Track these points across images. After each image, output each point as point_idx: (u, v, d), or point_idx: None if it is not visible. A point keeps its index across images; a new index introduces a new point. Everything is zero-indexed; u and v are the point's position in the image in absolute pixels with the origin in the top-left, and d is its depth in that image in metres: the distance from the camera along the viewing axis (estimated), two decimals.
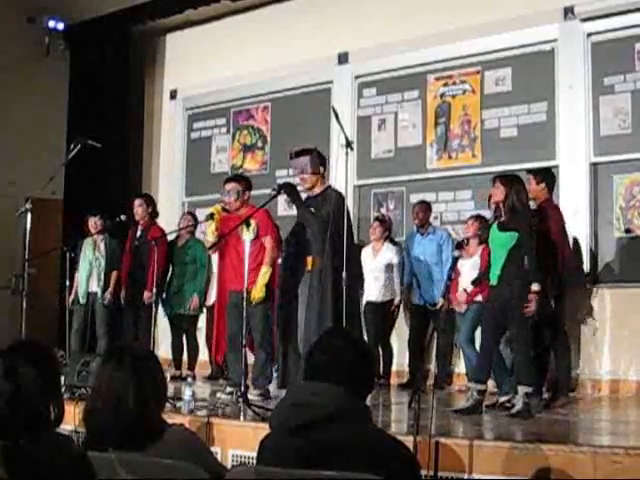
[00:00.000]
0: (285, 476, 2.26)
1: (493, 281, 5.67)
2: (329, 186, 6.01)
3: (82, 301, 8.06)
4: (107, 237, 8.23)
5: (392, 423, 5.28)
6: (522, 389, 5.34)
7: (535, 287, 5.40)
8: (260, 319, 6.04)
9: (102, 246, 8.17)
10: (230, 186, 6.31)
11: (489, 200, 6.29)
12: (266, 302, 6.08)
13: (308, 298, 5.83)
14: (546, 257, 5.77)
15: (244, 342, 5.55)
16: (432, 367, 7.88)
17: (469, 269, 6.80)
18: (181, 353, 8.45)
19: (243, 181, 6.42)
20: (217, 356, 6.71)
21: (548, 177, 6.44)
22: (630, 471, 3.73)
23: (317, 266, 5.75)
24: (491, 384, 6.00)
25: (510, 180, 5.74)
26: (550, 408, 5.82)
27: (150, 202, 8.22)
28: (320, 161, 5.95)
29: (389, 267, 7.79)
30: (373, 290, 7.78)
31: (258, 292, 5.97)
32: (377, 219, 8.19)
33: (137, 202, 8.13)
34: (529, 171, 6.51)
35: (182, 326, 8.41)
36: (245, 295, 5.54)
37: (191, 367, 8.29)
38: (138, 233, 8.07)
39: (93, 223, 8.13)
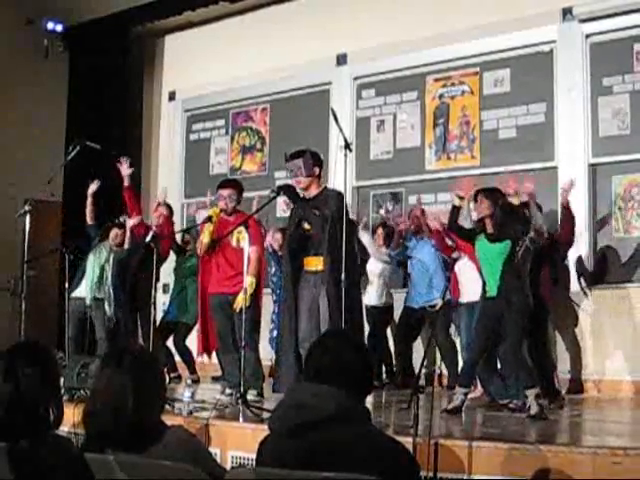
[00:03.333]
0: (285, 477, 2.26)
1: (491, 293, 5.69)
2: (326, 187, 5.97)
3: (88, 302, 7.90)
4: (124, 250, 7.97)
5: (391, 424, 5.28)
6: (531, 392, 5.35)
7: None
8: (247, 321, 6.02)
9: (111, 258, 8.04)
10: (227, 192, 6.31)
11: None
12: (252, 306, 6.06)
13: (310, 299, 5.82)
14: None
15: (242, 344, 5.55)
16: (436, 368, 7.94)
17: (469, 268, 6.78)
18: (170, 355, 8.39)
19: (238, 186, 6.46)
20: (202, 353, 6.71)
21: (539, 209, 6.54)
22: (630, 472, 3.73)
23: (321, 267, 5.74)
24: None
25: (493, 193, 5.86)
26: (549, 409, 5.82)
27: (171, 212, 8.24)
28: (314, 162, 5.87)
29: (384, 272, 7.82)
30: (372, 294, 7.81)
31: (245, 301, 5.94)
32: (380, 225, 8.16)
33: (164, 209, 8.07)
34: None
35: (176, 331, 8.35)
36: (241, 297, 5.57)
37: (192, 371, 8.27)
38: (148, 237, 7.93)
39: (114, 235, 8.00)
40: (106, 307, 7.97)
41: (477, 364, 5.73)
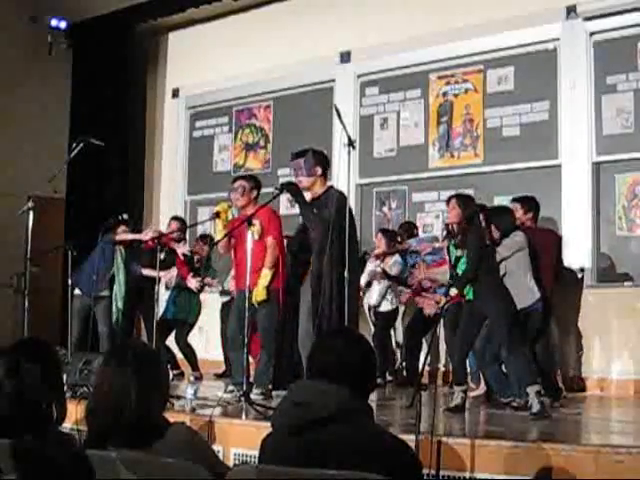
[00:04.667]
0: (287, 475, 2.26)
1: (469, 296, 5.79)
2: (331, 186, 5.92)
3: (121, 305, 7.86)
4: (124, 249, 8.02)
5: (393, 422, 5.28)
6: (531, 389, 5.35)
7: (452, 292, 5.69)
8: (263, 319, 6.03)
9: (120, 256, 8.00)
10: (237, 183, 6.31)
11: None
12: (270, 303, 6.06)
13: (310, 299, 5.81)
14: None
15: (246, 341, 5.55)
16: (441, 366, 7.95)
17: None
18: (170, 353, 8.38)
19: (251, 179, 6.42)
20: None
21: (534, 207, 6.62)
22: (632, 471, 3.72)
23: (317, 267, 5.71)
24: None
25: (465, 201, 5.94)
26: (551, 408, 5.82)
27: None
28: (317, 162, 5.83)
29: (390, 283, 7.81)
30: (376, 297, 7.79)
31: (259, 294, 5.95)
32: (381, 230, 8.11)
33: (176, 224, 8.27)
34: (516, 199, 6.60)
35: (177, 329, 8.35)
36: (247, 294, 5.57)
37: (195, 368, 8.28)
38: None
39: (122, 231, 7.91)
40: (115, 305, 7.93)
41: (464, 361, 5.83)
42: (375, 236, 8.07)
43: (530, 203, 6.64)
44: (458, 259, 5.87)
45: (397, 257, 7.77)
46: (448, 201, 6.04)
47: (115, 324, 7.88)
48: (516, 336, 5.52)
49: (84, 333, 7.85)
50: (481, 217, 5.80)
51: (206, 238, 8.57)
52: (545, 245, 6.32)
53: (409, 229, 7.93)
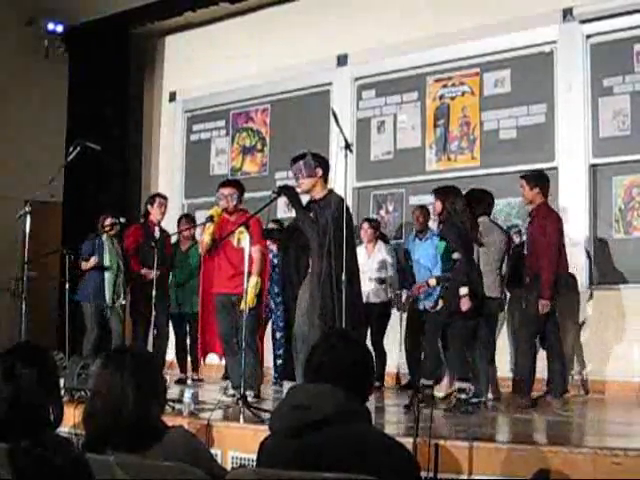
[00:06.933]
0: (285, 478, 2.26)
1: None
2: (331, 191, 5.81)
3: (114, 304, 7.73)
4: (117, 239, 7.89)
5: (391, 425, 5.28)
6: (458, 385, 5.52)
7: (463, 290, 5.75)
8: (249, 324, 6.01)
9: (118, 249, 7.85)
10: (228, 191, 6.32)
11: None
12: (255, 307, 6.15)
13: (305, 302, 5.80)
14: (534, 259, 6.10)
15: (243, 345, 5.56)
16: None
17: None
18: (185, 355, 8.36)
19: (239, 186, 6.48)
20: (202, 356, 6.75)
21: (541, 181, 6.46)
22: (630, 472, 3.73)
23: (314, 270, 5.68)
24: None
25: (446, 192, 6.10)
26: (549, 409, 5.82)
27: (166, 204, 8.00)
28: (316, 164, 5.73)
29: (383, 267, 7.76)
30: (366, 291, 7.76)
31: (250, 302, 5.93)
32: (366, 220, 8.09)
33: (162, 201, 7.86)
34: (522, 176, 6.55)
35: (183, 326, 8.32)
36: (244, 298, 5.58)
37: (195, 369, 8.26)
38: (157, 234, 7.61)
39: (109, 223, 7.79)
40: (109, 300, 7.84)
41: (439, 357, 6.02)
42: (360, 227, 8.00)
43: (536, 179, 6.46)
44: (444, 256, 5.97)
45: (383, 251, 7.77)
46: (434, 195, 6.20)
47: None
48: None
49: (100, 338, 7.77)
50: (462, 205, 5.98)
51: (189, 217, 8.67)
52: (545, 228, 6.25)
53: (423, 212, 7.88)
